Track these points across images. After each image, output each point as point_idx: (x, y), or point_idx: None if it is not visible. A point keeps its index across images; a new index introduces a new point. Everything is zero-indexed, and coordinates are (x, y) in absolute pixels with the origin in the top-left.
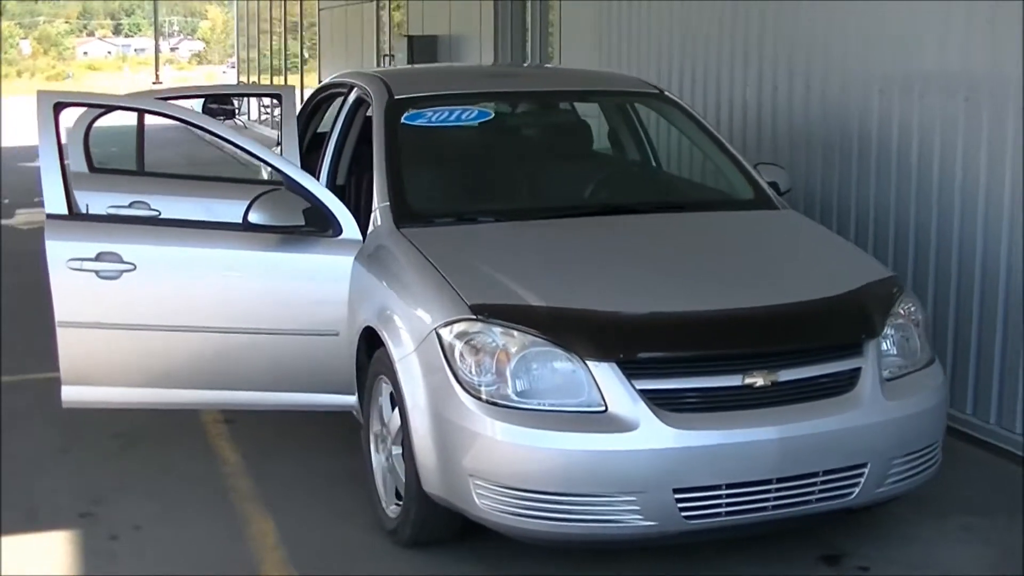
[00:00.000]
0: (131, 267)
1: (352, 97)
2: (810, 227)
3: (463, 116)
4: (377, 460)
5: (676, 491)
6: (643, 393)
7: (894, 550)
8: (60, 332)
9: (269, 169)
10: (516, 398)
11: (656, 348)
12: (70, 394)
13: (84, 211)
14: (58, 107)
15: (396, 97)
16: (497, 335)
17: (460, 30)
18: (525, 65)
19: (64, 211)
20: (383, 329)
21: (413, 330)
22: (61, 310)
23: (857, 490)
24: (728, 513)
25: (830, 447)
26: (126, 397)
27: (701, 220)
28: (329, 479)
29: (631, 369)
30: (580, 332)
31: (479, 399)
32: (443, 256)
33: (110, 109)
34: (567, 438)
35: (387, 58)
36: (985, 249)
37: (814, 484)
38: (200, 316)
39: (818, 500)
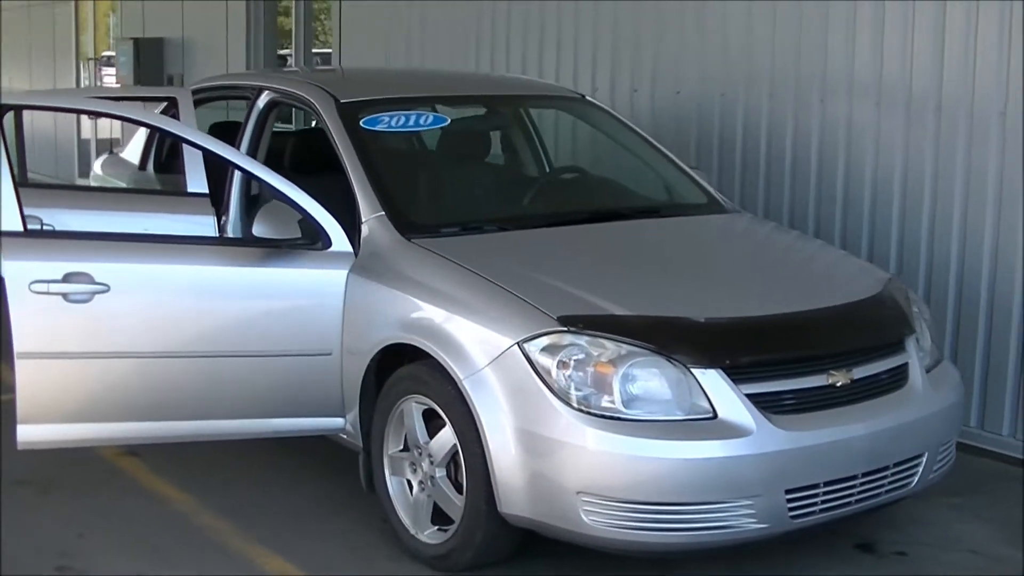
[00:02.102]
0: (104, 288)
1: (262, 101)
2: (783, 229)
3: (420, 121)
4: (397, 485)
5: (787, 492)
6: (749, 398)
7: (915, 533)
8: (20, 364)
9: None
10: (624, 410)
11: (757, 352)
12: (29, 434)
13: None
14: (3, 110)
15: (343, 101)
16: (592, 347)
17: (196, 32)
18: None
19: (19, 227)
20: (432, 346)
21: (482, 345)
22: (22, 339)
23: (915, 480)
24: (823, 510)
25: (900, 440)
26: (95, 433)
27: (693, 225)
28: (303, 510)
29: (736, 374)
30: (681, 340)
31: (584, 413)
32: (488, 267)
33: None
34: (684, 447)
35: (92, 62)
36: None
37: (886, 476)
38: (181, 340)
39: (887, 491)
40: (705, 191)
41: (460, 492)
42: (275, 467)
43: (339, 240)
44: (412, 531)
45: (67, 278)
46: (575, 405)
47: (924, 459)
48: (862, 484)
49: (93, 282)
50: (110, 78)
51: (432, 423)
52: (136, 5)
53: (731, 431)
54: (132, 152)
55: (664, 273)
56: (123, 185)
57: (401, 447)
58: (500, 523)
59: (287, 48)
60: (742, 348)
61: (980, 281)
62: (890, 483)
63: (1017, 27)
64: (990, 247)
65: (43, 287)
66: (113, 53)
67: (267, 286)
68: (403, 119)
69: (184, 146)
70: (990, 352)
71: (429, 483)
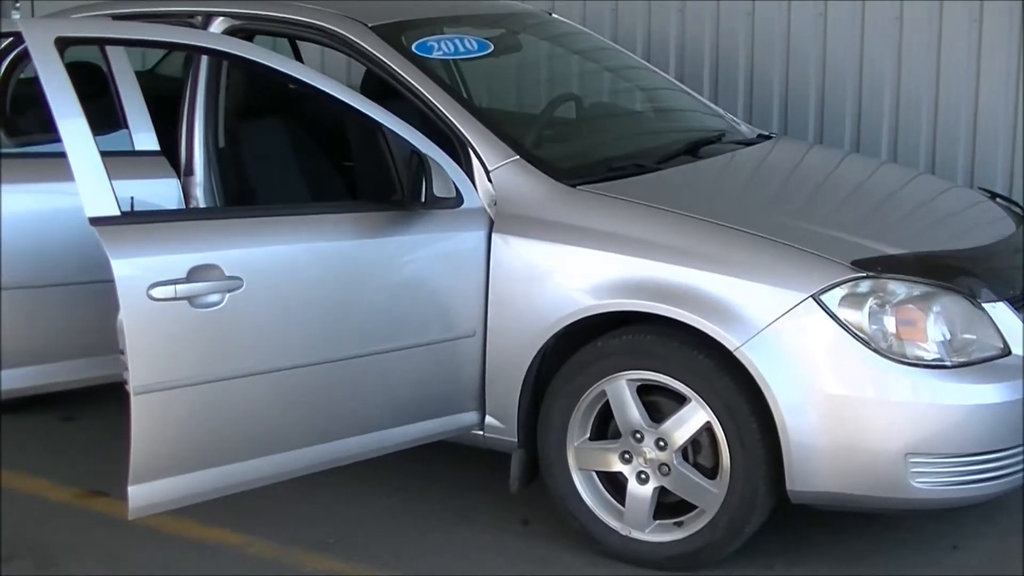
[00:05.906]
0: (238, 283)
1: (218, 30)
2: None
3: (467, 46)
4: (587, 480)
5: None
6: None
7: None
8: (138, 403)
9: None
10: (942, 356)
11: (1021, 280)
12: (143, 497)
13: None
14: (62, 43)
15: (373, 25)
16: (893, 292)
17: None
18: None
19: (115, 210)
20: (680, 310)
21: (759, 304)
22: (141, 368)
23: None
24: None
25: None
26: (222, 481)
27: (799, 152)
28: (407, 525)
29: (1016, 305)
30: (966, 274)
31: (908, 365)
32: (713, 212)
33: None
34: (1009, 389)
35: None
36: None
37: None
38: (322, 343)
39: None
40: (726, 118)
41: (710, 477)
42: (301, 484)
43: (470, 196)
44: (623, 531)
45: (192, 275)
46: (895, 358)
47: None
48: None
49: (224, 277)
50: None
51: (645, 400)
52: None
53: None
54: None
55: (861, 205)
56: None
57: (589, 435)
58: (774, 505)
59: None
60: (1010, 278)
61: None
62: None
63: None
64: None
65: (167, 291)
66: None
67: (408, 260)
68: (451, 45)
69: (123, 98)
70: None
71: (657, 472)
